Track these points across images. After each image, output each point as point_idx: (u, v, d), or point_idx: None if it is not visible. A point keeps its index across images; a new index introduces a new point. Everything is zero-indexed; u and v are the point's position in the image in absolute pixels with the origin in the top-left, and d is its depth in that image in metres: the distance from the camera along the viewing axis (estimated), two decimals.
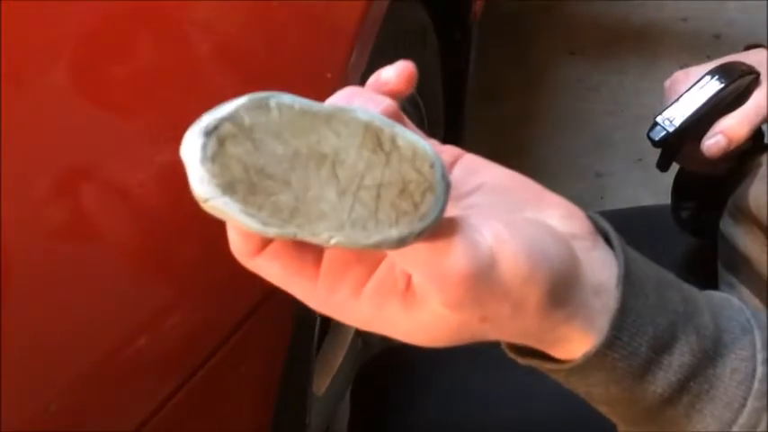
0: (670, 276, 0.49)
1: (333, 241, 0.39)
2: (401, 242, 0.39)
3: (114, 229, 0.67)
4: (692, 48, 2.32)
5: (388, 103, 0.44)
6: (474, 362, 0.80)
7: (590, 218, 0.47)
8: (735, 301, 0.51)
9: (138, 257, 0.68)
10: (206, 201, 0.38)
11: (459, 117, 1.59)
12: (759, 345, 0.48)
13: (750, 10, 2.40)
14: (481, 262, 0.41)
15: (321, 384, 1.21)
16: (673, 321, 0.46)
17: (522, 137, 2.14)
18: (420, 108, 1.33)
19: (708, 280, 0.85)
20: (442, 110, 1.46)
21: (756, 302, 0.77)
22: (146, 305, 0.68)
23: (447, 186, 0.40)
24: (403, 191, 0.40)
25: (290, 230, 0.39)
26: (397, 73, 0.45)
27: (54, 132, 0.68)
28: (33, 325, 0.64)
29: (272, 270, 0.43)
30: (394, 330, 0.44)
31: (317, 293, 0.43)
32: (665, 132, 0.83)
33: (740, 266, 0.79)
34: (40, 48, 0.71)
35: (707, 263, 0.86)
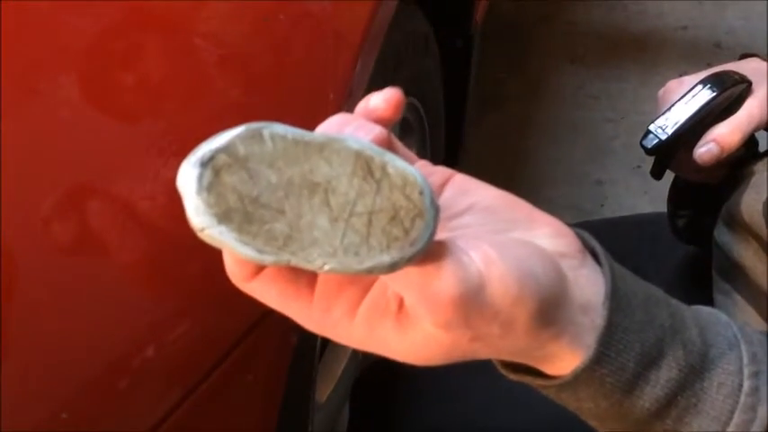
0: (658, 292, 0.49)
1: (326, 267, 0.40)
2: (392, 267, 0.40)
3: (123, 241, 0.67)
4: (693, 56, 2.33)
5: (379, 130, 0.45)
6: (472, 368, 0.80)
7: (579, 236, 0.48)
8: (722, 316, 0.51)
9: (145, 268, 0.68)
10: (202, 230, 0.39)
11: (461, 124, 1.59)
12: (746, 359, 0.49)
13: (750, 18, 2.42)
14: (470, 284, 0.42)
15: (323, 392, 1.21)
16: (659, 337, 0.47)
17: (522, 144, 2.15)
18: (421, 115, 1.33)
19: (704, 287, 0.85)
20: (444, 117, 1.46)
21: (750, 310, 0.78)
22: (154, 315, 0.68)
23: (436, 212, 0.41)
24: (394, 217, 0.41)
25: (285, 258, 0.40)
26: (385, 99, 0.46)
27: (61, 145, 0.68)
28: (46, 335, 0.64)
29: (268, 294, 0.44)
30: (387, 350, 0.44)
31: (313, 315, 0.44)
32: (657, 140, 0.84)
33: (734, 274, 0.80)
34: (46, 61, 0.71)
35: (704, 270, 0.87)
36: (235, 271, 0.44)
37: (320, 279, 0.44)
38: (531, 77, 2.31)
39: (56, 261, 0.65)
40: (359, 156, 0.41)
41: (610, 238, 1.11)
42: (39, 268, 0.65)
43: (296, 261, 0.40)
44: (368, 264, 0.40)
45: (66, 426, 0.63)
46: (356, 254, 0.40)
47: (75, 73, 0.71)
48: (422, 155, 1.38)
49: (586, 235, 0.49)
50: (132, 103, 0.71)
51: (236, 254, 0.40)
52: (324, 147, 0.41)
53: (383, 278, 0.43)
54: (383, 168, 0.41)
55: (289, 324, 0.80)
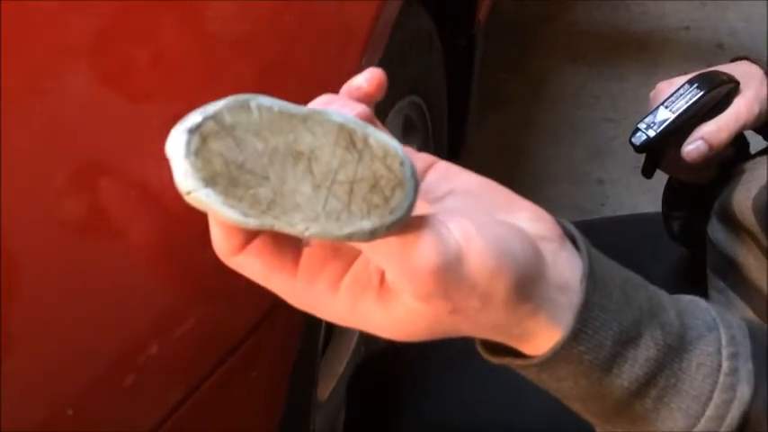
0: (636, 278, 0.50)
1: (308, 232, 0.41)
2: (372, 234, 0.41)
3: (128, 238, 0.67)
4: (694, 56, 2.34)
5: (362, 108, 0.47)
6: (468, 362, 0.81)
7: (559, 222, 0.49)
8: (701, 301, 0.52)
9: (152, 263, 0.68)
10: (189, 193, 0.40)
11: (463, 122, 1.60)
12: (724, 341, 0.50)
13: (751, 19, 2.42)
14: (449, 256, 0.42)
15: (325, 390, 1.22)
16: (637, 318, 0.48)
17: (523, 143, 2.15)
18: (425, 114, 1.34)
19: (704, 285, 0.86)
20: (446, 114, 1.47)
21: (745, 307, 0.79)
22: (160, 311, 0.68)
23: (416, 184, 0.42)
24: (374, 186, 0.42)
25: (268, 221, 0.41)
26: (367, 78, 0.48)
27: (71, 128, 0.68)
28: (51, 331, 0.64)
29: (253, 267, 0.45)
30: (369, 325, 0.45)
31: (296, 288, 0.45)
32: (645, 137, 0.86)
33: (728, 271, 0.81)
34: (59, 42, 0.71)
35: (701, 268, 0.87)
36: (221, 245, 0.44)
37: (304, 253, 0.45)
38: (533, 77, 2.32)
39: (60, 256, 0.65)
40: (342, 128, 0.42)
41: (611, 237, 1.12)
42: (44, 260, 0.65)
43: (279, 225, 0.41)
44: (348, 229, 0.41)
45: (72, 422, 0.63)
46: (337, 219, 0.41)
47: (87, 55, 0.71)
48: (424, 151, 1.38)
49: (566, 222, 0.50)
50: (146, 86, 0.71)
51: (221, 216, 0.41)
52: (308, 118, 0.42)
53: (365, 251, 0.44)
54: (365, 140, 0.42)
55: (295, 319, 0.81)
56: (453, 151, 1.57)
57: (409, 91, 1.21)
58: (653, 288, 0.51)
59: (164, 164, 0.41)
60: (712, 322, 0.51)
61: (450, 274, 0.43)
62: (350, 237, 0.41)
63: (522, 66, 2.34)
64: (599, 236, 1.20)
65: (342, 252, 0.45)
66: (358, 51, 0.85)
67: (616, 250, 1.16)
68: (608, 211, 1.96)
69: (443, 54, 1.36)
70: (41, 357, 0.64)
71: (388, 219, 0.41)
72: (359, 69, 0.82)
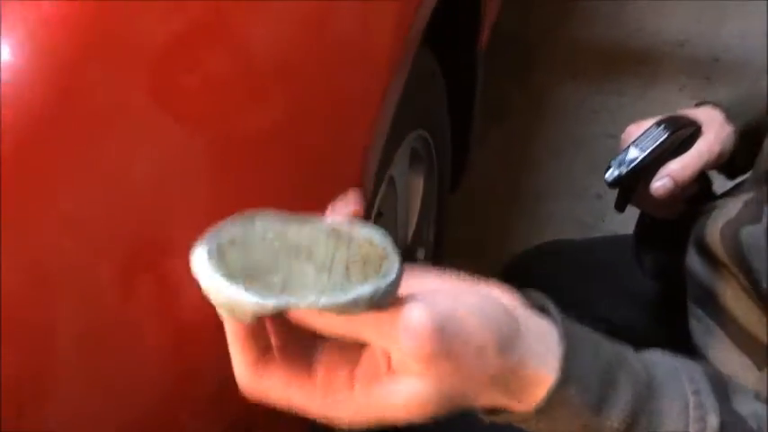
0: (601, 336, 0.58)
1: (320, 303, 0.48)
2: (372, 298, 0.49)
3: (169, 297, 0.70)
4: (691, 70, 2.37)
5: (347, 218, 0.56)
6: None
7: (528, 296, 0.57)
8: (663, 353, 0.61)
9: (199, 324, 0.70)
10: (217, 292, 0.49)
11: (466, 141, 1.64)
12: (686, 381, 0.58)
13: (748, 34, 2.45)
14: (442, 314, 0.50)
15: None
16: (606, 370, 0.56)
17: (523, 158, 2.20)
18: (430, 145, 1.39)
19: (685, 311, 0.91)
20: (450, 139, 1.51)
21: (722, 335, 0.84)
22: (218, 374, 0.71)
23: (401, 257, 0.51)
24: (366, 262, 0.52)
25: (284, 300, 0.48)
26: (347, 200, 0.56)
27: (123, 193, 0.68)
28: (98, 379, 0.69)
29: (276, 387, 0.52)
30: (384, 410, 0.52)
31: (317, 397, 0.52)
32: (617, 173, 0.94)
33: (706, 300, 0.86)
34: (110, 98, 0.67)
35: (685, 293, 0.93)
36: (242, 367, 0.53)
37: (318, 362, 0.53)
38: (534, 92, 2.36)
39: (104, 330, 0.68)
40: (330, 227, 0.53)
41: (605, 255, 1.16)
42: (90, 318, 0.67)
43: (294, 301, 0.48)
44: (352, 295, 0.48)
45: None
46: (342, 289, 0.49)
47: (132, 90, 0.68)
48: (429, 180, 1.44)
49: (537, 294, 0.58)
50: (184, 180, 0.71)
51: (244, 303, 0.48)
52: (303, 223, 0.53)
53: (370, 338, 0.51)
54: (350, 234, 0.53)
55: None
56: (457, 173, 1.62)
57: (416, 125, 1.26)
58: (617, 344, 0.59)
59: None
60: (673, 369, 0.59)
61: (446, 331, 0.50)
62: (355, 301, 0.48)
63: (523, 81, 2.38)
64: (594, 254, 1.26)
65: (349, 354, 0.53)
66: (383, 83, 0.90)
67: (609, 268, 1.21)
68: (608, 226, 2.00)
69: (446, 76, 1.39)
70: (92, 405, 0.69)
71: (383, 282, 0.49)
72: (384, 99, 0.87)
